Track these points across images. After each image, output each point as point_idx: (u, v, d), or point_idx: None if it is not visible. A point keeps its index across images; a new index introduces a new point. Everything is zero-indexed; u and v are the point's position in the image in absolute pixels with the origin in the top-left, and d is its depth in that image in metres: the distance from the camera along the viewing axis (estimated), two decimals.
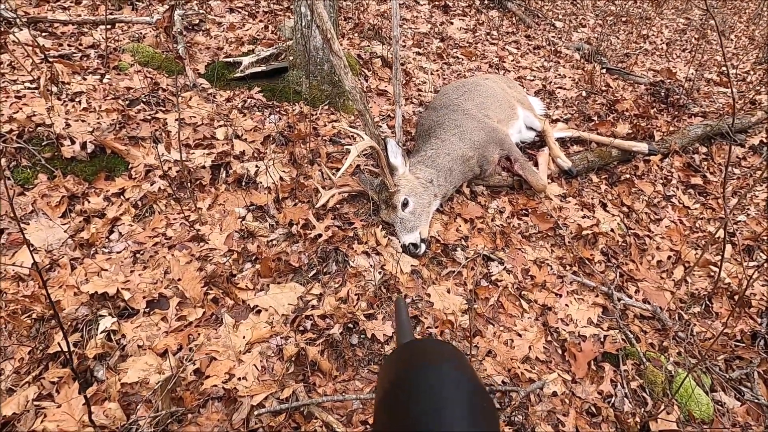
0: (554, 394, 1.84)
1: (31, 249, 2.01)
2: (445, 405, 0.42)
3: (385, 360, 0.55)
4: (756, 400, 1.88)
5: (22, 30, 3.20)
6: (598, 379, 1.92)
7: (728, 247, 2.73)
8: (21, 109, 2.49)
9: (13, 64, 2.85)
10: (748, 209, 3.05)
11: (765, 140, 3.72)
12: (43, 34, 3.34)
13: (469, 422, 0.41)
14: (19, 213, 2.18)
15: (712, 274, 2.51)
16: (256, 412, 1.55)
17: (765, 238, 2.80)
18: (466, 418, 0.41)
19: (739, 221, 2.93)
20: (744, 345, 2.14)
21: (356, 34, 4.42)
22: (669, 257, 2.59)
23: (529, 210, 2.74)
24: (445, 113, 2.80)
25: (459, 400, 0.43)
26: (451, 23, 5.41)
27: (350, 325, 1.93)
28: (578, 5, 7.09)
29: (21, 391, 1.57)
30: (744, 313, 2.27)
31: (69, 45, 3.31)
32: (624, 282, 2.41)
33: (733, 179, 3.36)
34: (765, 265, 2.58)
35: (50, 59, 2.86)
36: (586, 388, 1.88)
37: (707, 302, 2.34)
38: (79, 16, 3.67)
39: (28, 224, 2.13)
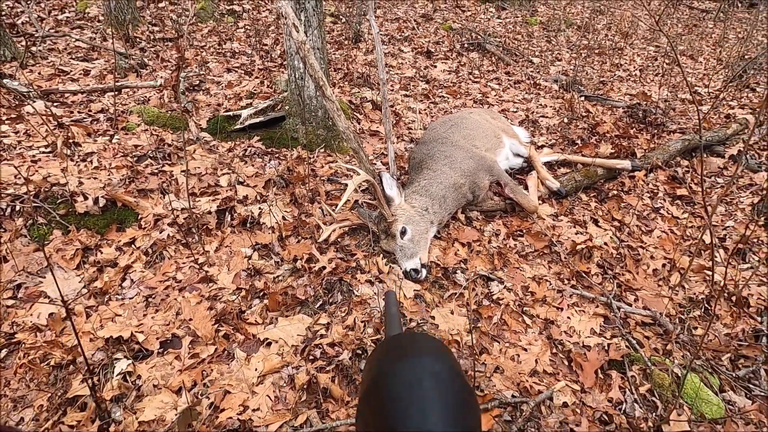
0: (565, 404, 1.85)
1: (49, 300, 2.09)
2: (424, 400, 0.41)
3: (371, 353, 0.56)
4: (764, 393, 1.90)
5: (35, 101, 3.45)
6: (606, 387, 1.94)
7: (721, 251, 2.81)
8: (37, 171, 2.66)
9: (28, 131, 3.06)
10: (735, 215, 3.15)
11: (742, 150, 3.89)
12: (55, 104, 3.59)
13: (448, 418, 0.40)
14: (35, 268, 2.28)
15: (708, 278, 2.57)
16: None
17: (756, 241, 2.88)
18: (446, 415, 0.40)
19: (728, 226, 3.02)
20: (747, 344, 2.17)
21: (346, 83, 4.71)
22: (664, 265, 2.66)
23: (524, 231, 2.84)
24: (434, 146, 2.97)
25: (439, 394, 0.42)
26: (435, 66, 5.76)
27: (359, 352, 1.98)
28: (552, 42, 7.54)
29: None
30: (743, 312, 2.32)
31: (79, 112, 3.54)
32: (622, 292, 2.47)
33: (718, 188, 3.49)
34: (758, 265, 2.65)
35: (66, 123, 3.07)
36: (596, 396, 1.90)
37: (706, 305, 2.39)
38: (88, 85, 3.95)
39: (44, 278, 2.22)
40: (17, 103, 3.45)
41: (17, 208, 2.45)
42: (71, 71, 4.29)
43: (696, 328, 2.24)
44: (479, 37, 6.70)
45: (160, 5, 6.56)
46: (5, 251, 2.27)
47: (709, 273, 2.59)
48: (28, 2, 5.77)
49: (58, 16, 5.86)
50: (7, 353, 1.89)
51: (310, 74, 2.44)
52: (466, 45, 6.60)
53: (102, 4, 5.45)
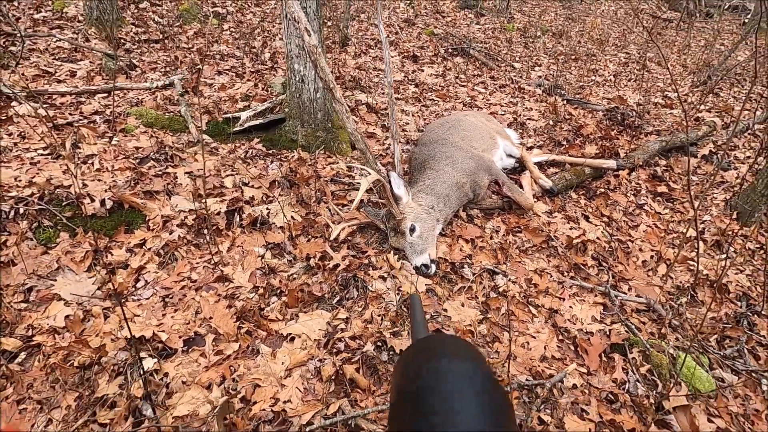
0: (574, 386, 1.99)
1: (64, 303, 2.08)
2: (457, 402, 0.41)
3: (399, 358, 0.54)
4: (748, 369, 2.09)
5: (21, 104, 3.36)
6: (610, 369, 2.09)
7: (701, 243, 3.03)
8: (38, 173, 2.61)
9: (23, 133, 2.99)
10: (711, 210, 3.40)
11: (713, 150, 4.20)
12: (44, 105, 3.51)
13: (482, 419, 0.40)
14: (45, 271, 2.25)
15: (692, 268, 2.78)
16: (308, 429, 1.63)
17: (730, 233, 3.13)
18: (480, 415, 0.40)
19: (705, 220, 3.26)
20: (731, 326, 2.37)
21: (339, 86, 4.78)
22: (652, 257, 2.86)
23: (522, 227, 2.99)
24: (435, 147, 3.09)
25: (472, 396, 0.42)
26: (422, 70, 5.90)
27: (378, 344, 2.06)
28: (531, 48, 7.83)
29: None
30: (725, 298, 2.53)
31: (70, 114, 3.47)
32: (617, 282, 2.64)
33: (693, 185, 3.75)
34: (735, 256, 2.89)
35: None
36: (601, 378, 2.05)
37: (692, 292, 2.59)
38: (76, 86, 3.87)
39: (56, 281, 2.20)
40: (3, 104, 3.35)
41: (21, 211, 2.40)
42: (56, 72, 4.19)
43: (686, 312, 2.43)
44: (463, 42, 6.89)
45: (141, 6, 6.45)
46: (12, 254, 2.23)
47: (692, 263, 2.80)
48: (2, 1, 5.56)
49: (33, 15, 5.68)
50: (27, 356, 1.87)
51: (320, 77, 2.51)
52: (450, 50, 6.78)
53: (83, 4, 5.32)
